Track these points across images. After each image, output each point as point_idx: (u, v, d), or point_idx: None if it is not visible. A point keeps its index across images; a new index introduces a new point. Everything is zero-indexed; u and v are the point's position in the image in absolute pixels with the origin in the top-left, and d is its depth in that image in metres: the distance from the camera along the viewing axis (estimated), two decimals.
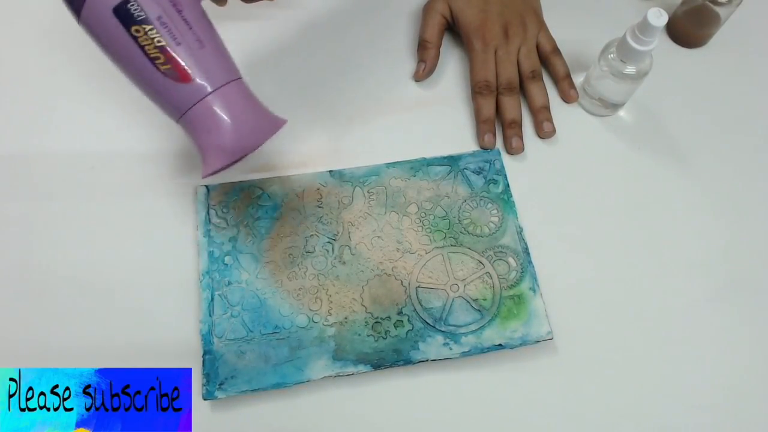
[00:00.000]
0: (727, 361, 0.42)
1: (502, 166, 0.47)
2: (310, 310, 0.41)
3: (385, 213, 0.44)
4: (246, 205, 0.44)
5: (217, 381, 0.38)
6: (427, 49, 0.51)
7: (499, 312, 0.41)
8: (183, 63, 0.34)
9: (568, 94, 0.51)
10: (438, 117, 0.50)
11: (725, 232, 0.46)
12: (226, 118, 0.35)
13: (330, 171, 0.46)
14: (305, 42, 0.53)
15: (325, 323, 0.41)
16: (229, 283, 0.42)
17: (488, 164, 0.47)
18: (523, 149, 0.48)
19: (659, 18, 0.41)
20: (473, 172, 0.46)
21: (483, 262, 0.43)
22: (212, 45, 0.36)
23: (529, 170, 0.48)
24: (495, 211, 0.45)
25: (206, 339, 0.40)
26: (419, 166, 0.46)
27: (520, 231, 0.44)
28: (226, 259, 0.42)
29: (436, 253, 0.43)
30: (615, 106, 0.50)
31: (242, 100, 0.36)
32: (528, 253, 0.43)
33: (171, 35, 0.34)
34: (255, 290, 0.41)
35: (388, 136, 0.49)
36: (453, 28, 0.53)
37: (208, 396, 0.38)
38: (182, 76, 0.34)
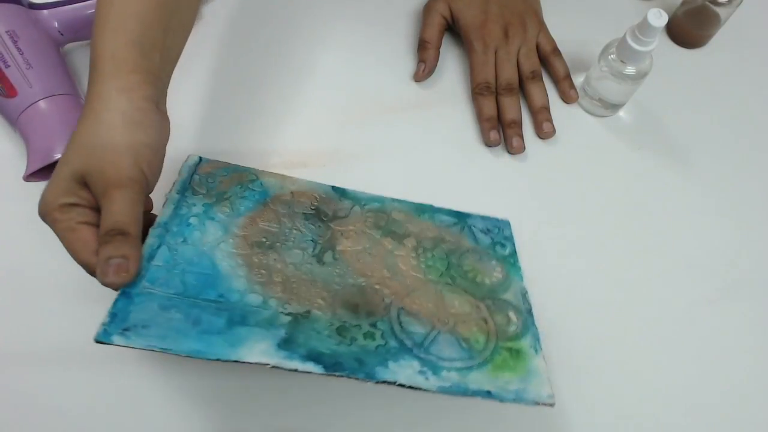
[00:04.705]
0: (728, 362, 0.42)
1: (511, 235, 0.44)
2: (268, 292, 0.35)
3: (380, 236, 0.41)
4: (234, 183, 0.41)
5: (122, 325, 0.30)
6: (427, 49, 0.51)
7: (493, 359, 0.35)
8: (10, 81, 0.42)
9: (568, 95, 0.51)
10: (438, 117, 0.50)
11: (725, 233, 0.47)
12: (42, 126, 0.42)
13: (333, 186, 0.43)
14: (305, 42, 0.53)
15: (282, 310, 0.34)
16: (185, 240, 0.36)
17: (497, 229, 0.44)
18: (523, 149, 0.48)
19: (659, 18, 0.41)
20: (480, 230, 0.44)
21: (480, 307, 0.38)
22: (40, 66, 0.44)
23: (529, 170, 0.48)
24: (499, 269, 0.41)
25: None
26: (426, 210, 0.44)
27: (524, 293, 0.40)
28: (192, 219, 0.37)
29: (428, 286, 0.39)
30: (615, 107, 0.50)
31: (61, 112, 0.43)
32: (531, 315, 0.39)
33: (1, 60, 0.43)
34: (212, 255, 0.36)
35: (388, 136, 0.49)
36: (453, 29, 0.53)
37: (103, 337, 0.29)
38: (9, 92, 0.42)
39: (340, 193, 0.43)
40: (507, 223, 0.45)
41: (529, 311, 0.39)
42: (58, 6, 0.47)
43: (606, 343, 0.42)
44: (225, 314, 0.33)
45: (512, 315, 0.39)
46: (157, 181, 0.34)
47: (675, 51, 0.54)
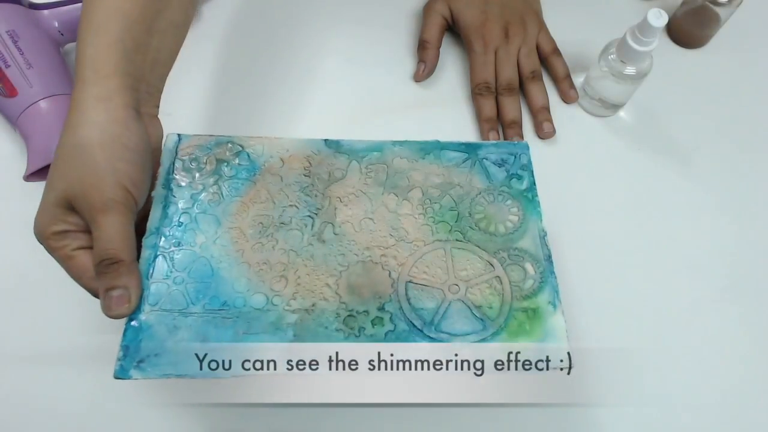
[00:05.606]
0: (730, 361, 0.42)
1: (529, 162, 0.40)
2: (271, 289, 0.35)
3: (382, 193, 0.39)
4: (220, 161, 0.39)
5: (136, 357, 0.32)
6: (427, 49, 0.51)
7: (507, 325, 0.34)
8: (10, 81, 0.43)
9: (568, 95, 0.51)
10: (438, 117, 0.50)
11: (726, 233, 0.46)
12: (41, 125, 0.42)
13: (325, 140, 0.40)
14: (305, 42, 0.53)
15: (287, 308, 0.34)
16: (179, 244, 0.35)
17: (513, 157, 0.41)
18: None
19: (659, 19, 0.41)
20: (494, 163, 0.40)
21: (493, 263, 0.36)
22: (40, 66, 0.44)
23: None
24: (515, 209, 0.38)
25: None
26: (431, 149, 0.41)
27: (543, 235, 0.38)
28: (182, 217, 0.36)
29: (437, 246, 0.37)
30: (615, 107, 0.50)
31: (61, 112, 0.43)
32: (551, 262, 0.37)
33: (2, 60, 0.43)
34: (209, 257, 0.35)
35: (388, 136, 0.48)
36: (453, 29, 0.53)
37: (121, 374, 0.31)
38: (10, 92, 0.43)
39: (335, 146, 0.40)
40: (525, 147, 0.41)
41: (548, 257, 0.37)
42: (59, 6, 0.47)
43: (605, 344, 0.42)
44: (230, 323, 0.33)
45: (529, 267, 0.36)
46: (146, 194, 0.34)
47: (675, 51, 0.54)
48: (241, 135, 0.40)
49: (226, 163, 0.38)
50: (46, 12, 0.47)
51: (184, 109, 0.47)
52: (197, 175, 0.38)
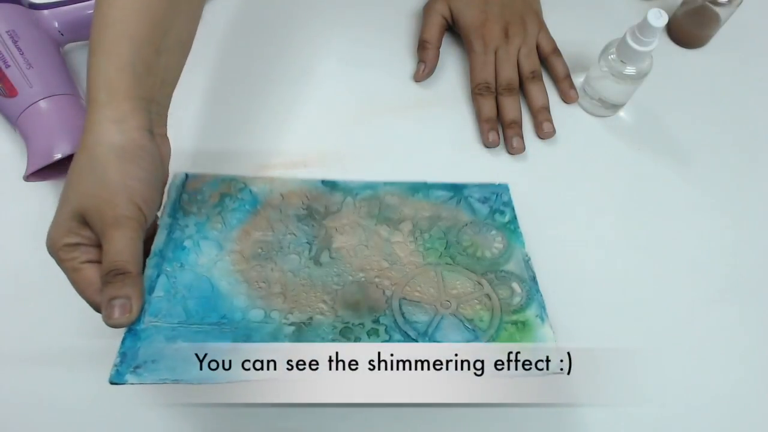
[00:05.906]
0: (730, 361, 0.42)
1: (510, 200, 0.44)
2: (269, 305, 0.36)
3: (375, 224, 0.42)
4: (224, 195, 0.41)
5: (133, 363, 0.32)
6: (427, 49, 0.51)
7: (498, 336, 0.36)
8: (10, 81, 0.42)
9: (568, 95, 0.51)
10: (438, 117, 0.50)
11: (725, 233, 0.47)
12: (41, 125, 0.42)
13: (322, 180, 0.44)
14: (305, 42, 0.53)
15: (284, 321, 0.35)
16: (182, 265, 0.37)
17: (495, 196, 0.44)
18: (524, 149, 0.48)
19: (659, 19, 0.41)
20: (478, 200, 0.44)
21: (482, 283, 0.39)
22: (40, 66, 0.44)
23: (529, 170, 0.48)
24: (499, 239, 0.42)
25: None
26: (419, 188, 0.44)
27: (527, 260, 0.41)
28: (186, 242, 0.38)
29: (428, 268, 0.39)
30: (615, 107, 0.50)
31: (61, 112, 0.43)
32: (536, 282, 0.39)
33: (2, 60, 0.43)
34: (209, 276, 0.37)
35: (388, 136, 0.49)
36: (453, 29, 0.53)
37: (117, 378, 0.31)
38: (10, 92, 0.42)
39: (331, 186, 0.44)
40: (505, 187, 0.45)
41: (533, 278, 0.40)
42: (59, 6, 0.47)
43: (605, 344, 0.42)
44: (229, 335, 0.34)
45: (515, 286, 0.39)
46: (156, 212, 0.35)
47: (675, 51, 0.54)
48: (246, 173, 0.43)
49: (229, 197, 0.41)
50: (46, 12, 0.47)
51: (185, 110, 0.47)
52: (202, 206, 0.41)
